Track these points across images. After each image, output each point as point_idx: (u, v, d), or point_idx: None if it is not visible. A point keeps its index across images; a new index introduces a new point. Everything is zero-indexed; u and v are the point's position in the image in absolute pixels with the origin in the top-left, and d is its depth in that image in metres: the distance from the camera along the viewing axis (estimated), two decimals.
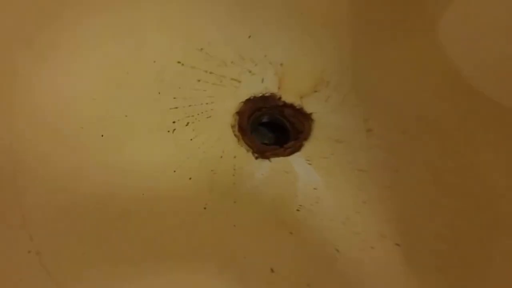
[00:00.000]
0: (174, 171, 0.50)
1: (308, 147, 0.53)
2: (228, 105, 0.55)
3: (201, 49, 0.58)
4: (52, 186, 0.43)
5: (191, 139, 0.52)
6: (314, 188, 0.50)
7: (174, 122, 0.53)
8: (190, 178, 0.50)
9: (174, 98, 0.55)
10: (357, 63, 0.58)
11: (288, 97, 0.56)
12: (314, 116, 0.55)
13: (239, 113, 0.55)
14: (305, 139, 0.54)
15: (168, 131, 0.52)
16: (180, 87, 0.55)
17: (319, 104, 0.56)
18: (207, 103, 0.55)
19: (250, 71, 0.57)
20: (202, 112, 0.54)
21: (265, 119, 0.57)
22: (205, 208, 0.48)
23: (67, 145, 0.49)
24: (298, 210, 0.49)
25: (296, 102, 0.56)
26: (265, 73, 0.57)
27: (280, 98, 0.56)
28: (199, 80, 0.56)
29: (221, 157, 0.52)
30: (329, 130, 0.54)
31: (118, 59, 0.56)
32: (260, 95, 0.56)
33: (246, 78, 0.57)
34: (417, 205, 0.50)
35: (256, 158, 0.52)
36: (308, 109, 0.56)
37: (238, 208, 0.49)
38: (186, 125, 0.53)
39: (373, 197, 0.50)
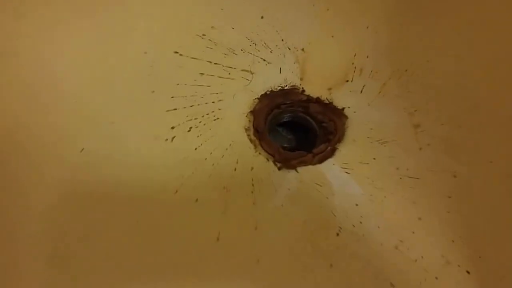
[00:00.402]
0: (176, 192, 0.39)
1: (343, 151, 0.42)
2: (239, 103, 0.44)
3: (203, 35, 0.46)
4: None
5: (195, 149, 0.41)
6: (356, 204, 0.39)
7: (172, 127, 0.42)
8: (196, 200, 0.39)
9: (172, 97, 0.43)
10: (397, 43, 0.46)
11: (313, 90, 0.45)
12: (347, 112, 0.44)
13: (254, 112, 0.44)
14: (339, 141, 0.43)
15: (166, 140, 0.41)
16: (179, 83, 0.44)
17: (352, 96, 0.45)
18: (213, 102, 0.44)
19: (264, 60, 0.46)
20: (207, 114, 0.43)
21: (286, 118, 0.46)
22: (218, 239, 0.37)
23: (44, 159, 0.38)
24: (338, 234, 0.38)
25: (324, 96, 0.45)
26: (283, 61, 0.46)
27: (303, 91, 0.45)
28: (202, 74, 0.45)
29: (235, 169, 0.40)
30: (367, 129, 0.43)
31: (100, 52, 0.45)
32: (279, 88, 0.45)
33: (260, 69, 0.46)
34: (487, 218, 0.39)
35: (279, 168, 0.41)
36: (339, 103, 0.45)
37: (260, 236, 0.38)
38: (188, 130, 0.42)
39: (431, 211, 0.39)
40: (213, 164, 0.41)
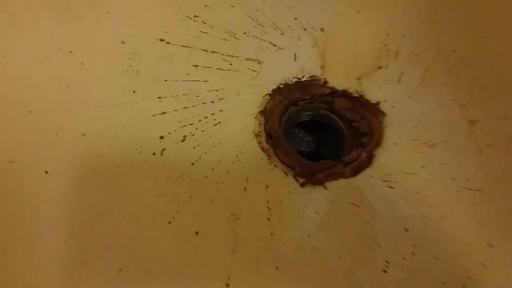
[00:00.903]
0: (169, 223, 0.29)
1: (383, 158, 0.33)
2: (246, 101, 0.34)
3: (195, 16, 0.37)
4: None
5: (192, 164, 0.31)
6: (405, 229, 0.30)
7: (162, 137, 0.32)
8: (196, 233, 0.29)
9: (159, 98, 0.34)
10: (440, 17, 0.37)
11: (338, 81, 0.36)
12: (383, 107, 0.34)
13: (265, 112, 0.34)
14: (376, 145, 0.33)
15: (154, 154, 0.31)
16: (167, 79, 0.35)
17: (388, 86, 0.35)
18: (212, 102, 0.34)
19: (274, 45, 0.36)
20: (205, 117, 0.33)
21: (305, 118, 0.37)
22: (227, 286, 0.28)
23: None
24: (384, 271, 0.29)
25: (352, 87, 0.35)
26: (298, 46, 0.36)
27: (325, 82, 0.35)
28: (196, 66, 0.35)
29: (245, 189, 0.31)
30: (411, 128, 0.34)
31: (64, 43, 0.35)
32: (295, 80, 0.35)
33: (269, 56, 0.36)
34: None
35: (302, 185, 0.31)
36: (372, 96, 0.35)
37: (283, 279, 0.28)
38: (182, 140, 0.32)
39: (504, 234, 0.30)
40: (216, 183, 0.31)
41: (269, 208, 0.30)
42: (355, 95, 0.35)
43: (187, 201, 0.30)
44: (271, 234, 0.29)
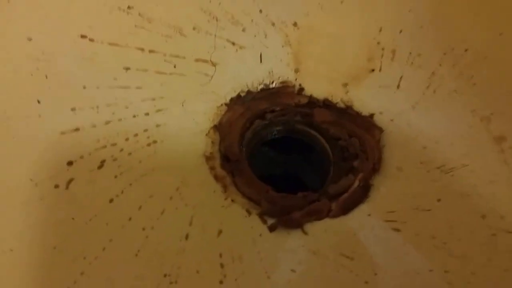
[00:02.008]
0: None
1: (384, 189, 0.23)
2: (194, 113, 0.25)
3: (129, 8, 0.27)
4: None
5: (110, 201, 0.21)
6: None
7: (70, 163, 0.22)
8: None
9: (73, 109, 0.24)
10: (447, 8, 0.28)
11: (318, 87, 0.27)
12: (379, 121, 0.25)
13: (221, 127, 0.25)
14: (374, 170, 0.24)
15: (57, 187, 0.21)
16: (86, 85, 0.25)
17: (384, 95, 0.26)
18: (146, 114, 0.24)
19: (233, 43, 0.27)
20: (135, 135, 0.24)
21: (275, 134, 0.27)
22: None
23: None
24: None
25: (337, 95, 0.26)
26: (264, 45, 0.27)
27: (301, 90, 0.26)
28: (127, 69, 0.26)
29: (186, 237, 0.21)
30: (418, 148, 0.25)
31: None
32: (260, 87, 0.26)
33: (227, 57, 0.27)
34: None
35: (272, 228, 0.21)
36: (363, 106, 0.26)
37: None
38: (100, 167, 0.22)
39: None
40: (143, 229, 0.21)
41: (222, 266, 0.20)
42: (341, 105, 0.26)
43: (98, 255, 0.20)
44: None
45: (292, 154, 0.30)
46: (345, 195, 0.23)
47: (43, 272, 0.20)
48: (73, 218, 0.21)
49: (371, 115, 0.25)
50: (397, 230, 0.22)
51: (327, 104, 0.26)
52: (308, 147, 0.27)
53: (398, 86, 0.27)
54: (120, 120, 0.24)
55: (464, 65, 0.27)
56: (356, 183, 0.23)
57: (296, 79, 0.27)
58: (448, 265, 0.21)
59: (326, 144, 0.26)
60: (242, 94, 0.26)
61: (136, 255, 0.20)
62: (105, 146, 0.23)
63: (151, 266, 0.20)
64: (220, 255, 0.20)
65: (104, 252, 0.20)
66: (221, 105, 0.25)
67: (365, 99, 0.26)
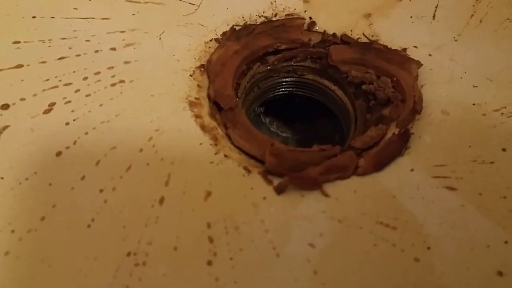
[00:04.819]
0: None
1: (428, 137, 0.16)
2: (174, 48, 0.18)
3: None
4: None
5: (58, 154, 0.15)
6: (498, 272, 0.13)
7: (6, 106, 0.15)
8: None
9: (16, 43, 0.17)
10: None
11: (333, 20, 0.20)
12: (414, 54, 0.18)
13: (210, 66, 0.18)
14: (413, 114, 0.17)
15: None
16: (36, 14, 0.18)
17: (417, 25, 0.20)
18: (112, 49, 0.18)
19: None
20: (97, 73, 0.17)
21: (281, 89, 0.21)
22: None
23: None
24: None
25: (358, 29, 0.19)
26: None
27: (312, 23, 0.20)
28: None
29: (161, 201, 0.14)
30: (468, 86, 0.18)
31: None
32: (261, 20, 0.19)
33: None
34: None
35: (279, 189, 0.15)
36: (392, 40, 0.19)
37: None
38: (47, 111, 0.16)
39: None
40: (101, 191, 0.14)
41: (211, 240, 0.13)
42: (364, 39, 0.19)
43: (33, 227, 0.13)
44: None
45: (305, 106, 0.23)
46: (377, 147, 0.16)
47: None
48: (2, 178, 0.14)
49: (404, 49, 0.19)
50: (452, 188, 0.15)
51: (345, 41, 0.20)
52: (324, 107, 0.20)
53: (433, 16, 0.20)
54: (78, 55, 0.17)
55: None
56: (390, 133, 0.17)
57: (305, 11, 0.20)
58: None
59: (346, 97, 0.19)
60: (237, 28, 0.19)
61: (89, 226, 0.13)
62: (55, 86, 0.16)
63: (109, 242, 0.13)
64: (208, 226, 0.14)
65: (42, 223, 0.13)
66: (210, 40, 0.19)
67: (393, 32, 0.20)
